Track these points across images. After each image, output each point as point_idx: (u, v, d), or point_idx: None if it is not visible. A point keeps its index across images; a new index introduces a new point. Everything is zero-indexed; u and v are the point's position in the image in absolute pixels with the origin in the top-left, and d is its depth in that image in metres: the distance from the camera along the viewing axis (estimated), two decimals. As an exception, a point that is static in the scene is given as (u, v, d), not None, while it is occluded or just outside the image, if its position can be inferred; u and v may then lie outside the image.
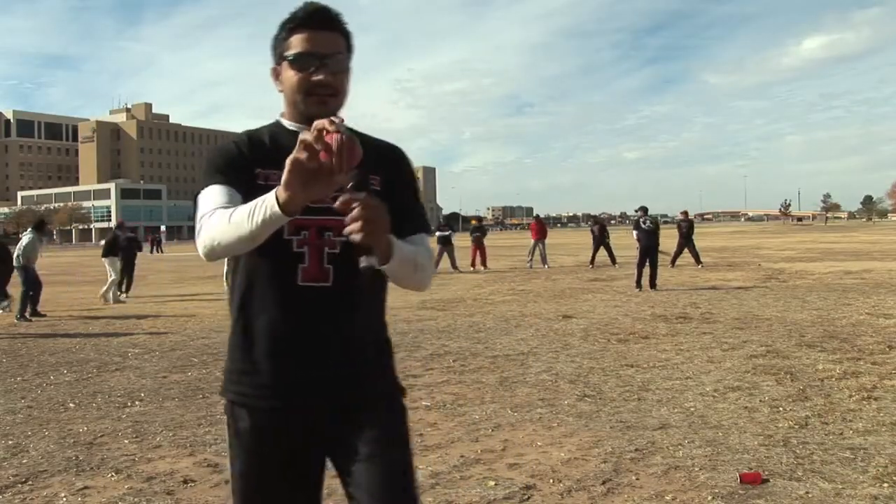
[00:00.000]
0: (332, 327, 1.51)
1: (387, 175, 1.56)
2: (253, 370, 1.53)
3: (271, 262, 1.50)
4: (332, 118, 1.22)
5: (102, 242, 14.11)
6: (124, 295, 13.69)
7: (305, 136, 1.20)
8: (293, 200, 1.25)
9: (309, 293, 1.49)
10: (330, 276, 1.50)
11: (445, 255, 18.48)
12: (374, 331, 1.61)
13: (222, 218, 1.36)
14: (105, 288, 13.11)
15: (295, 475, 1.55)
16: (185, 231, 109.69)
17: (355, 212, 1.25)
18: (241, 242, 1.35)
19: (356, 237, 1.26)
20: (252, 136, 1.58)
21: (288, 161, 1.22)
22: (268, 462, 1.53)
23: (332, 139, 1.19)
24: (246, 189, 1.45)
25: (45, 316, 10.87)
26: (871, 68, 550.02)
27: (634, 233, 14.03)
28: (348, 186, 1.27)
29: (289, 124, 1.57)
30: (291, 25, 1.49)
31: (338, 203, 1.27)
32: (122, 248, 13.80)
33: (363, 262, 1.31)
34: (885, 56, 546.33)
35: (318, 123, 1.20)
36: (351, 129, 1.52)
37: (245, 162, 1.51)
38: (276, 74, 1.55)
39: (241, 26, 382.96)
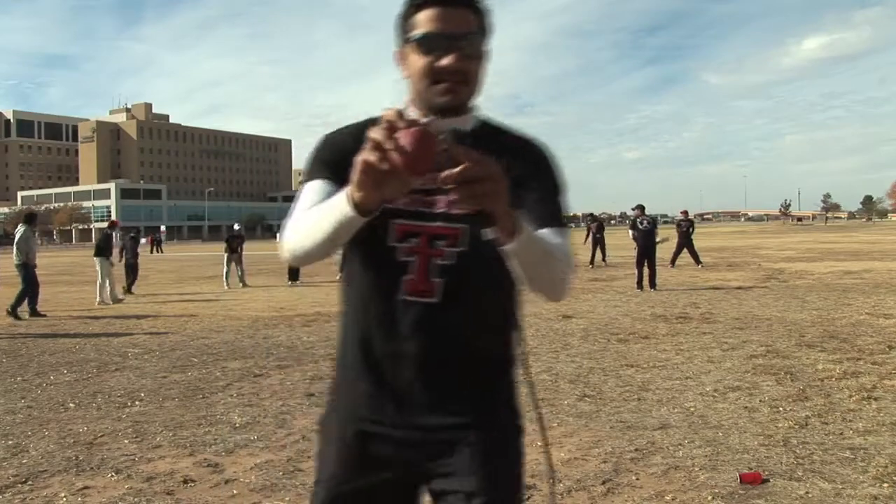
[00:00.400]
0: (433, 349, 1.32)
1: (516, 173, 1.31)
2: (346, 387, 1.41)
3: (373, 271, 1.36)
4: (400, 110, 1.07)
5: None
6: (122, 292, 13.68)
7: (376, 132, 1.05)
8: (367, 201, 1.11)
9: (411, 308, 1.32)
10: (438, 290, 1.31)
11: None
12: (486, 356, 1.38)
13: (303, 220, 1.25)
14: (98, 290, 13.00)
15: None
16: (185, 231, 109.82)
17: (458, 171, 1.03)
18: (320, 247, 1.23)
19: (465, 203, 1.06)
20: (372, 125, 1.44)
21: (357, 160, 1.08)
22: (351, 488, 1.37)
23: (405, 136, 1.03)
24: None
25: (44, 316, 10.87)
26: (872, 68, 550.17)
27: (630, 232, 14.02)
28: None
29: (414, 113, 1.37)
30: (419, 1, 1.30)
31: (440, 178, 1.05)
32: (126, 246, 13.91)
33: (485, 233, 1.13)
34: (886, 56, 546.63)
35: (387, 115, 1.06)
36: (485, 121, 1.41)
37: (352, 155, 1.35)
38: (401, 58, 1.35)
39: (241, 26, 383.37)
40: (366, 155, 1.06)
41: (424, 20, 1.29)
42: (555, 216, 1.35)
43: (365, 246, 1.34)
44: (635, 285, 12.80)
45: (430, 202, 1.32)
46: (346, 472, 1.37)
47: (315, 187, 1.32)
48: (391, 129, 1.04)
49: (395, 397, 1.34)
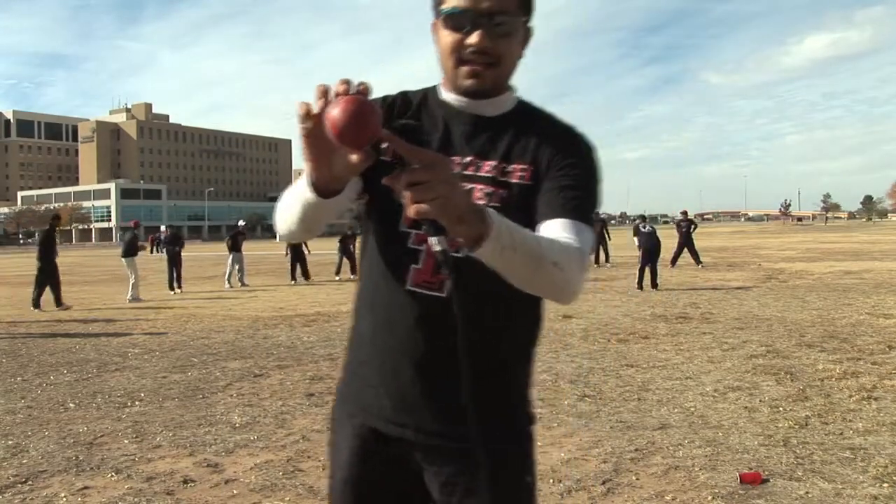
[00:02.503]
0: (437, 346, 1.22)
1: (543, 163, 1.23)
2: (352, 377, 1.37)
3: (384, 257, 1.27)
4: (346, 79, 0.97)
5: (121, 243, 14.52)
6: (176, 290, 14.57)
7: (303, 104, 0.99)
8: (316, 176, 1.06)
9: (418, 301, 1.23)
10: (445, 284, 1.21)
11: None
12: (494, 358, 1.27)
13: (283, 201, 1.22)
14: (130, 289, 13.28)
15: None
16: (184, 231, 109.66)
17: (404, 176, 0.93)
18: (297, 226, 1.20)
19: (411, 208, 0.94)
20: (400, 101, 1.32)
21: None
22: (358, 479, 1.33)
23: (335, 104, 0.95)
24: (372, 166, 1.18)
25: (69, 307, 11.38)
26: (873, 67, 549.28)
27: (635, 239, 14.34)
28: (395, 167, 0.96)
29: (443, 93, 1.30)
30: None
31: (384, 182, 0.97)
32: (165, 245, 14.33)
33: (433, 243, 1.01)
34: (888, 55, 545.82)
35: (320, 86, 0.97)
36: (523, 103, 1.31)
37: None
38: (434, 31, 1.25)
39: (241, 25, 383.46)
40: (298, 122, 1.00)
41: None
42: (574, 207, 1.19)
43: (380, 230, 1.29)
44: (636, 285, 12.84)
45: None
46: (353, 463, 1.33)
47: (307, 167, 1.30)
48: (324, 95, 0.96)
49: (394, 394, 1.27)
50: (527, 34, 1.26)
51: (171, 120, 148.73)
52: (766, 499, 3.20)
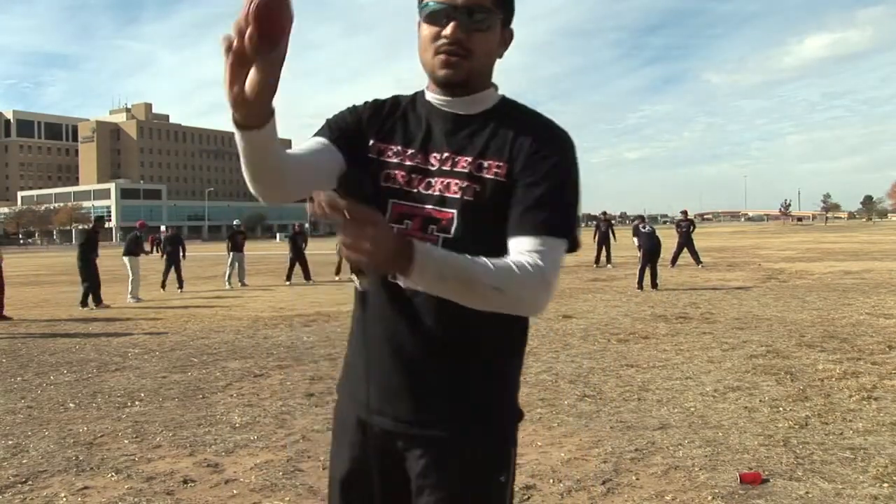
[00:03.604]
0: (420, 338, 1.27)
1: (519, 161, 1.26)
2: (347, 369, 1.43)
3: None
4: None
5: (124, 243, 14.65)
6: (174, 290, 14.60)
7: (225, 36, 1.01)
8: (232, 103, 1.05)
9: (402, 294, 1.27)
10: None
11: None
12: (476, 351, 1.30)
13: None
14: (130, 289, 13.31)
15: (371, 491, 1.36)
16: (184, 231, 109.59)
17: (339, 230, 1.00)
18: (249, 175, 1.21)
19: (345, 255, 1.03)
20: (390, 103, 1.38)
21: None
22: (350, 469, 1.37)
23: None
24: (353, 157, 1.30)
25: (10, 319, 10.52)
26: (874, 67, 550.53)
27: (635, 240, 14.35)
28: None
29: (428, 93, 1.35)
30: None
31: (310, 207, 1.02)
32: (163, 246, 14.44)
33: (357, 283, 1.13)
34: (889, 55, 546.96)
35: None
36: (505, 100, 1.35)
37: (360, 127, 1.34)
38: (417, 31, 1.32)
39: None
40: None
41: None
42: (542, 221, 1.20)
43: None
44: (636, 285, 12.85)
45: (429, 183, 1.29)
46: (347, 454, 1.38)
47: (308, 141, 1.33)
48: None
49: (377, 383, 1.30)
50: (506, 36, 1.31)
51: (171, 120, 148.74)
52: (766, 499, 3.20)
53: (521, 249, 1.18)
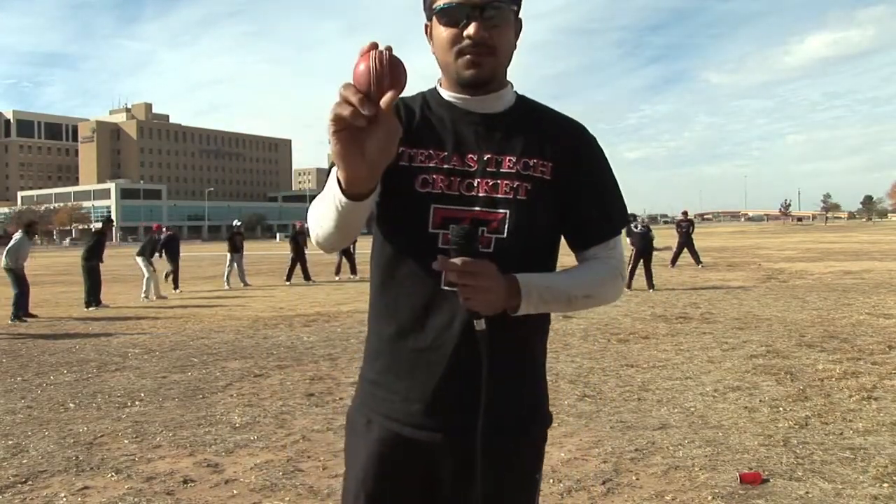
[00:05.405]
0: (469, 344, 1.21)
1: (561, 161, 1.29)
2: (374, 381, 1.34)
3: (412, 259, 1.26)
4: (375, 42, 1.02)
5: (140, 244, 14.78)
6: (171, 289, 14.52)
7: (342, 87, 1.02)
8: (347, 176, 1.05)
9: (451, 301, 1.23)
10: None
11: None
12: (528, 355, 1.33)
13: (315, 210, 1.22)
14: (144, 288, 13.43)
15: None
16: (185, 231, 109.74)
17: (452, 276, 1.11)
18: (335, 233, 1.18)
19: (463, 303, 1.13)
20: (403, 107, 1.31)
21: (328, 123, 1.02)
22: (377, 484, 1.31)
23: (366, 63, 1.01)
24: (387, 170, 1.15)
25: (35, 317, 10.76)
26: (875, 67, 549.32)
27: (627, 239, 14.27)
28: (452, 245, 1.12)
29: (444, 92, 1.31)
30: None
31: (435, 265, 1.12)
32: (164, 246, 14.51)
33: (476, 324, 1.16)
34: (890, 55, 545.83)
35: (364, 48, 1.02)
36: (522, 98, 1.35)
37: None
38: (428, 32, 1.28)
39: (241, 24, 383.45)
40: (332, 109, 1.02)
41: None
42: (605, 227, 1.34)
43: (405, 232, 1.28)
44: (626, 286, 12.77)
45: (470, 185, 1.26)
46: (372, 468, 1.30)
47: (335, 170, 1.23)
48: (369, 56, 1.02)
49: (426, 397, 1.26)
50: (518, 25, 1.29)
51: (171, 120, 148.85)
52: (766, 499, 3.20)
53: (596, 255, 1.33)
